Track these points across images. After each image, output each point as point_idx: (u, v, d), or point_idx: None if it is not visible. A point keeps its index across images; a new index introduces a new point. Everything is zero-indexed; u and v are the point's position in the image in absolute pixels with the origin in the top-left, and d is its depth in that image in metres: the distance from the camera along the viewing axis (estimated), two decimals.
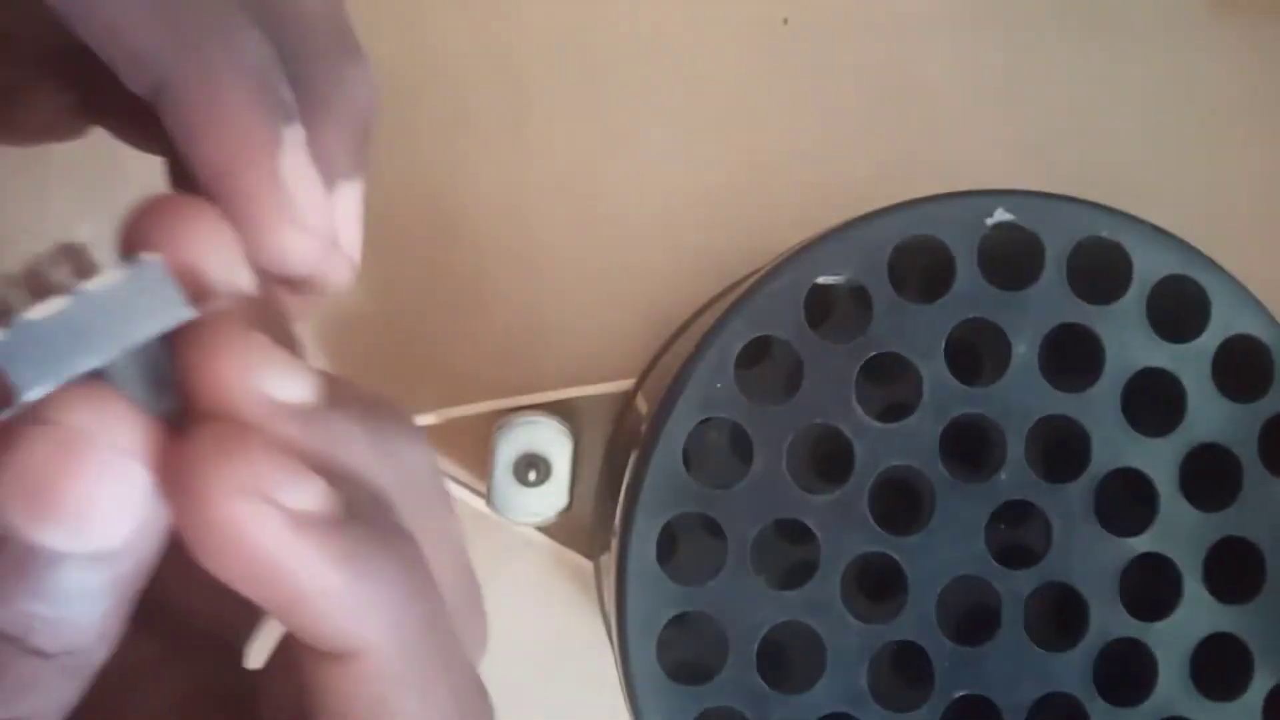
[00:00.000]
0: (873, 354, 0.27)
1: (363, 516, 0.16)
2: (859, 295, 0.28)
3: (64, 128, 0.22)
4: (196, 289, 0.16)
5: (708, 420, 0.27)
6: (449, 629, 0.17)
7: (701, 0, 0.35)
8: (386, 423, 0.17)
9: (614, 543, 0.27)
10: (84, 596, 0.15)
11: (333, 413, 0.16)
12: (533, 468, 0.30)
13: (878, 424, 0.27)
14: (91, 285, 0.15)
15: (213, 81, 0.16)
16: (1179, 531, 0.28)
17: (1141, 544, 0.28)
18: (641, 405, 0.31)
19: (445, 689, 0.16)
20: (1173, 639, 0.27)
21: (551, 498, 0.31)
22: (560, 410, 0.31)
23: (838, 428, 0.27)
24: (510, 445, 0.30)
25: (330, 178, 0.18)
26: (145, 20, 0.16)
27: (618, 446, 0.31)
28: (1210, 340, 0.28)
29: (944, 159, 0.35)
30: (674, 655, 0.27)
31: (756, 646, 0.27)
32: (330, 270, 0.18)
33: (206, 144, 0.16)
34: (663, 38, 0.35)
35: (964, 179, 0.28)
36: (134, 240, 0.16)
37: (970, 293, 0.27)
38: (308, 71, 0.18)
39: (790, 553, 0.30)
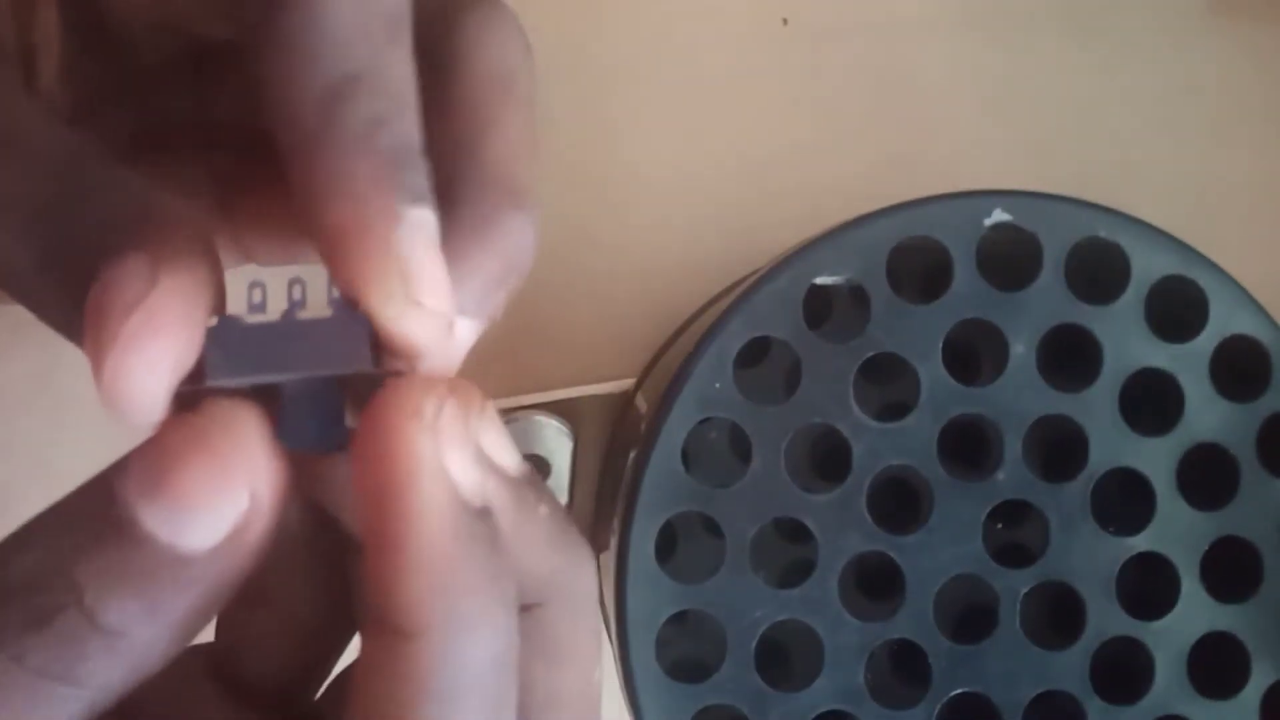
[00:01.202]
0: (871, 354, 0.27)
1: (497, 545, 0.17)
2: (857, 295, 0.28)
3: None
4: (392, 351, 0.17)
5: (707, 420, 0.27)
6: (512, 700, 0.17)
7: (702, 1, 0.35)
8: (571, 536, 0.18)
9: (614, 541, 0.28)
10: (154, 584, 0.16)
11: (530, 489, 0.17)
12: (532, 468, 0.30)
13: (876, 423, 0.27)
14: (302, 314, 0.16)
15: (339, 145, 0.17)
16: (1176, 531, 0.28)
17: (1139, 543, 0.28)
18: (641, 405, 0.31)
19: None
20: (1170, 637, 0.28)
21: None
22: (560, 410, 0.31)
23: (836, 427, 0.27)
24: None
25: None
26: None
27: (618, 446, 0.31)
28: (1208, 340, 0.28)
29: (942, 159, 0.35)
30: (673, 653, 0.27)
31: (755, 644, 0.27)
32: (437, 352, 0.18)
33: (325, 208, 0.17)
34: (663, 38, 0.35)
35: (962, 179, 0.28)
36: (349, 291, 0.17)
37: (968, 293, 0.27)
38: (466, 203, 0.19)
39: (789, 551, 0.30)
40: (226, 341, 0.16)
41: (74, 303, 0.16)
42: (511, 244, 0.19)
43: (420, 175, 0.18)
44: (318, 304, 0.17)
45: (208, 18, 0.21)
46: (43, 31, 0.20)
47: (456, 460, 0.16)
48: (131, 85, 0.22)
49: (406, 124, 0.18)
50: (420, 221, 0.17)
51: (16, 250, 0.17)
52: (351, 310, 0.17)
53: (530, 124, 0.20)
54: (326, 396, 0.17)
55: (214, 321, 0.16)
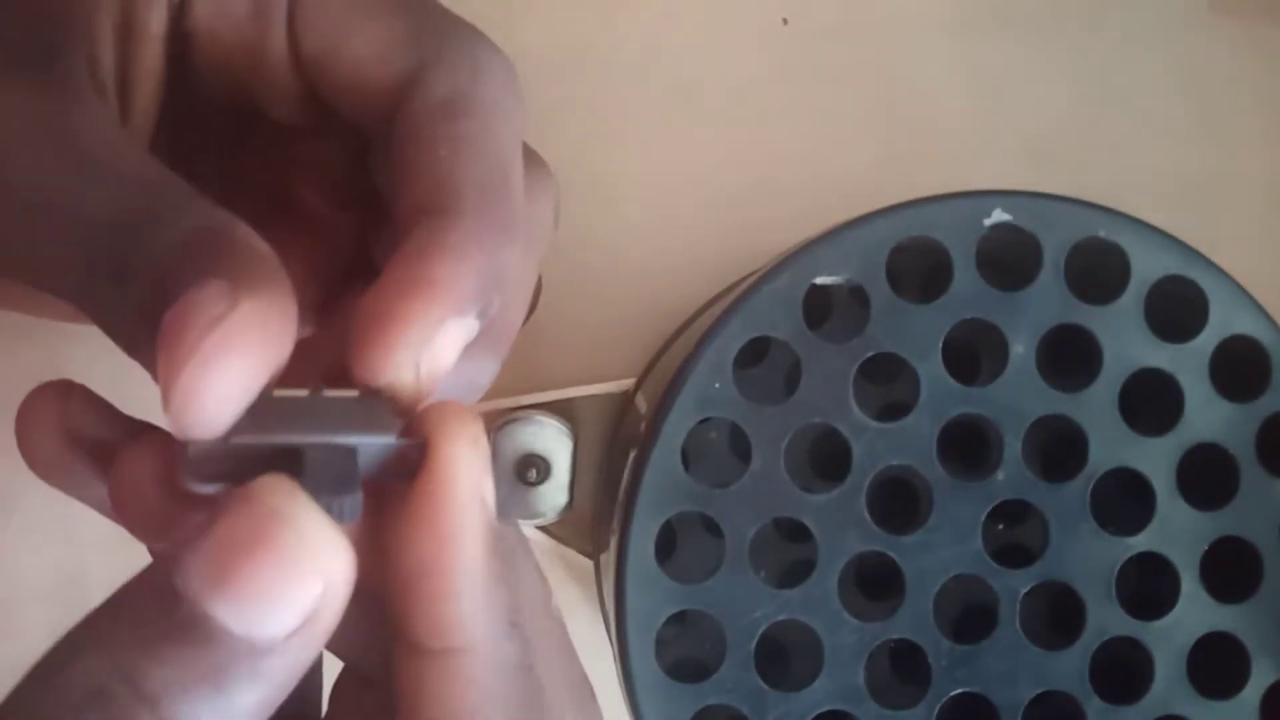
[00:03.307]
0: (871, 354, 0.27)
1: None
2: (857, 295, 0.28)
3: None
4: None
5: (707, 420, 0.27)
6: (544, 691, 0.19)
7: (702, 2, 0.35)
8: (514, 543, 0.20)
9: (613, 541, 0.28)
10: (229, 680, 0.15)
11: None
12: (533, 467, 0.30)
13: (875, 423, 0.27)
14: (328, 392, 0.18)
15: (474, 229, 0.19)
16: (1176, 531, 0.28)
17: (1139, 543, 0.28)
18: (641, 405, 0.31)
19: None
20: (1170, 637, 0.28)
21: (551, 497, 0.31)
22: (560, 410, 0.31)
23: (836, 427, 0.27)
24: (510, 445, 0.31)
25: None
26: None
27: (618, 446, 0.31)
28: (1208, 340, 0.28)
29: (942, 159, 0.35)
30: (672, 653, 0.27)
31: (754, 644, 0.27)
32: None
33: (429, 265, 0.18)
34: (663, 38, 0.35)
35: (962, 179, 0.28)
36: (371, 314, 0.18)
37: (968, 293, 0.27)
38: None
39: (788, 551, 0.30)
40: (256, 408, 0.17)
41: (143, 318, 0.17)
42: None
43: (496, 301, 0.19)
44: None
45: (286, 103, 0.22)
46: (144, 66, 0.21)
47: (488, 485, 0.18)
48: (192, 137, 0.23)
49: (518, 252, 0.19)
50: (467, 329, 0.19)
51: (96, 263, 0.17)
52: (375, 392, 0.18)
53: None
54: (346, 469, 0.17)
55: (256, 398, 0.17)
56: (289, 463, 0.17)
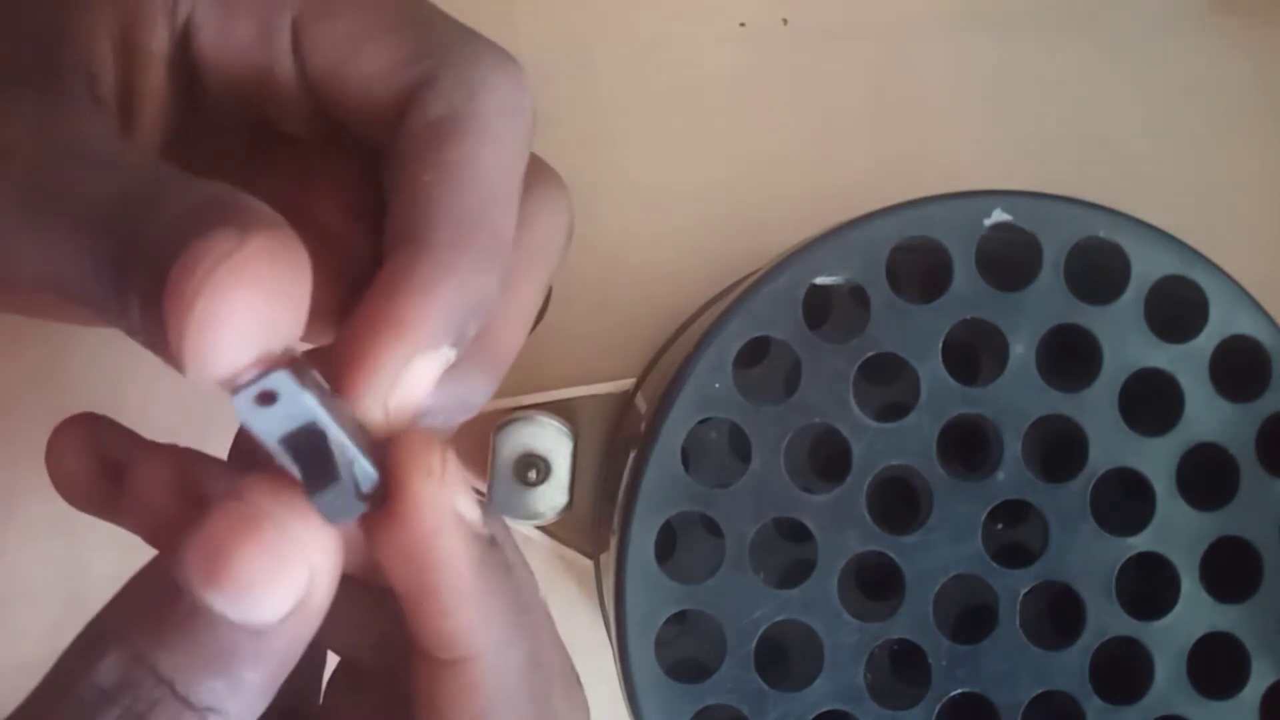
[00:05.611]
0: (871, 354, 0.27)
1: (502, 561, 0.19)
2: (857, 295, 0.28)
3: None
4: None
5: (707, 420, 0.27)
6: (548, 683, 0.19)
7: (701, 2, 0.35)
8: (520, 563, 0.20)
9: (613, 541, 0.28)
10: (236, 660, 0.17)
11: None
12: (533, 468, 0.30)
13: (875, 423, 0.27)
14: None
15: (448, 270, 0.19)
16: (1176, 531, 0.28)
17: (1139, 543, 0.28)
18: (641, 405, 0.31)
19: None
20: (1170, 637, 0.28)
21: (551, 497, 0.31)
22: (560, 410, 0.31)
23: (836, 427, 0.27)
24: (510, 445, 0.31)
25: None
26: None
27: (618, 446, 0.31)
28: (1208, 341, 0.28)
29: (942, 160, 0.35)
30: (672, 653, 0.27)
31: (754, 644, 0.27)
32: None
33: (400, 298, 0.19)
34: (662, 38, 0.35)
35: (962, 180, 0.28)
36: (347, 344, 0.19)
37: (968, 293, 0.27)
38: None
39: (788, 551, 0.30)
40: (300, 370, 0.17)
41: (151, 295, 0.16)
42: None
43: (474, 327, 0.19)
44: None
45: (297, 119, 0.22)
46: (148, 84, 0.21)
47: (464, 503, 0.18)
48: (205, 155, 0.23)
49: (495, 280, 0.19)
50: (441, 360, 0.19)
51: (100, 250, 0.17)
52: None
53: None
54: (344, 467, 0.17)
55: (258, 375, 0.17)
56: (315, 443, 0.17)
